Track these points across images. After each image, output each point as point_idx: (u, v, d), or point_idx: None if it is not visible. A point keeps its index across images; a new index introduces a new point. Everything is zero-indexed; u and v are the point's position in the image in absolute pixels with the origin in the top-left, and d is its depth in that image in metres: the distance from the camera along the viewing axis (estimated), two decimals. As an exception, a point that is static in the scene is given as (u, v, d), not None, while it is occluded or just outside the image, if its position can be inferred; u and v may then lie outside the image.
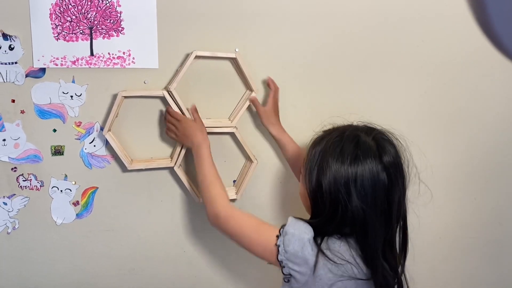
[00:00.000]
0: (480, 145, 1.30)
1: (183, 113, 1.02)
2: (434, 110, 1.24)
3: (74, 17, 0.98)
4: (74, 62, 1.00)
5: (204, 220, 1.14)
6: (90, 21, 0.99)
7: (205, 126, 1.02)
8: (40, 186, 1.04)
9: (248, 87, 1.10)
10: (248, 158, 1.13)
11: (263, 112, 1.09)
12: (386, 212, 0.80)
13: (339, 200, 0.78)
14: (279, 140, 1.10)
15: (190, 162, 1.09)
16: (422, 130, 1.25)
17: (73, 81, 1.01)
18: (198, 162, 0.97)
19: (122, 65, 1.02)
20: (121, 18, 1.00)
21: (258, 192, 1.18)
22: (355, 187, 0.78)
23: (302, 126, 1.13)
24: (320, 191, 0.80)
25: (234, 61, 1.07)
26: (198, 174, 0.96)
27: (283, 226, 0.80)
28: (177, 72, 1.03)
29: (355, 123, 0.87)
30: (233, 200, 1.14)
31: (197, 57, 1.03)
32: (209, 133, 1.03)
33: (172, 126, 1.03)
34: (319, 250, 0.77)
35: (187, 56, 1.02)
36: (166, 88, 1.02)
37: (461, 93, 1.25)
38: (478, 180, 1.33)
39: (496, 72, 1.26)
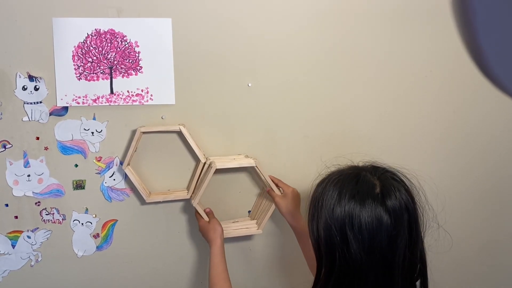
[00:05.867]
0: (493, 172, 1.31)
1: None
2: (446, 139, 1.25)
3: (95, 58, 1.03)
4: (95, 100, 1.04)
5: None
6: (110, 61, 1.04)
7: (225, 166, 1.04)
8: (62, 219, 1.07)
9: (263, 189, 1.15)
10: (262, 189, 1.15)
11: (281, 202, 1.07)
12: (388, 263, 0.70)
13: (335, 247, 0.70)
14: (295, 228, 1.06)
15: (205, 194, 1.12)
16: (435, 158, 1.26)
17: (94, 118, 1.05)
18: (210, 259, 1.00)
19: (141, 102, 1.06)
20: (139, 58, 1.05)
21: (274, 221, 1.19)
22: (352, 231, 0.69)
23: (314, 158, 1.15)
24: (319, 240, 0.73)
25: (253, 168, 1.10)
26: (209, 270, 0.99)
27: None
28: (197, 183, 1.08)
29: (360, 164, 0.81)
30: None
31: (217, 170, 1.04)
32: (229, 168, 1.06)
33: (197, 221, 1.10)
34: None
35: (208, 167, 1.06)
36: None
37: (471, 121, 1.26)
38: (494, 206, 1.33)
39: (507, 98, 1.27)
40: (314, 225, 0.75)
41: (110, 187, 1.08)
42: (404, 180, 0.76)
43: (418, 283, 0.77)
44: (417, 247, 0.73)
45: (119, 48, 1.04)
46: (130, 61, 1.05)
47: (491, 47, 0.34)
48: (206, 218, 1.08)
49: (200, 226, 1.08)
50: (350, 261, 0.70)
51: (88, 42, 1.03)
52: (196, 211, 1.09)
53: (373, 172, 0.75)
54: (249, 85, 1.11)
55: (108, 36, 1.03)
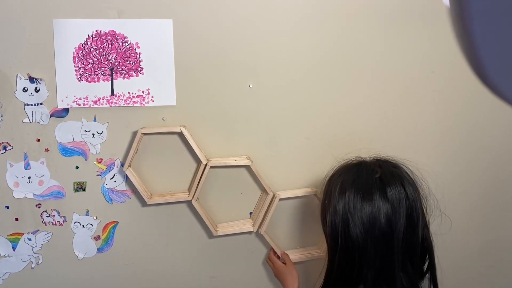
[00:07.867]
0: (495, 174, 1.30)
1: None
2: (447, 140, 1.25)
3: (95, 59, 1.03)
4: (95, 102, 1.04)
5: (222, 253, 1.17)
6: (111, 63, 1.04)
7: (219, 164, 1.05)
8: (63, 221, 1.07)
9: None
10: (263, 190, 1.15)
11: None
12: (387, 242, 0.76)
13: (338, 231, 0.78)
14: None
15: (207, 195, 1.12)
16: (436, 159, 1.25)
17: (95, 120, 1.05)
18: None
19: (142, 103, 1.06)
20: (140, 59, 1.05)
21: (274, 223, 1.19)
22: (352, 215, 0.76)
23: (317, 159, 1.15)
24: (327, 227, 0.81)
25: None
26: None
27: None
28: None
29: (367, 159, 0.88)
30: (249, 232, 1.15)
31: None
32: (224, 166, 1.06)
33: (270, 264, 1.14)
34: None
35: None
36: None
37: (474, 121, 1.26)
38: (494, 208, 1.33)
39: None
40: (325, 215, 0.82)
41: (111, 189, 1.08)
42: (405, 169, 0.82)
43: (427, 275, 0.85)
44: (417, 230, 0.78)
45: (120, 49, 1.04)
46: (131, 62, 1.05)
47: (489, 56, 0.34)
48: (278, 251, 1.12)
49: (277, 269, 1.10)
50: (351, 243, 0.76)
51: (88, 43, 1.02)
52: (270, 257, 1.15)
53: (375, 161, 0.84)
54: (250, 86, 1.11)
55: (108, 37, 1.03)
